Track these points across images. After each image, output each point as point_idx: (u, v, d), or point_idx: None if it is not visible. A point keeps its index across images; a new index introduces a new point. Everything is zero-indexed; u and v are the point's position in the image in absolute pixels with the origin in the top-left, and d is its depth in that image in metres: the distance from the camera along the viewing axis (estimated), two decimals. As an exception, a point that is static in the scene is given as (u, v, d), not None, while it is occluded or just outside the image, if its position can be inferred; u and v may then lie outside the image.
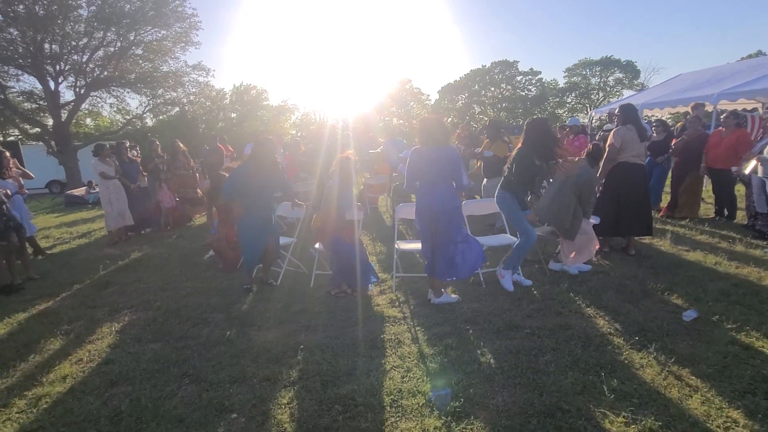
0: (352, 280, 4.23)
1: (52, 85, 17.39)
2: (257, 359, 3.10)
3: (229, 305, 4.15)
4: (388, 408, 2.49)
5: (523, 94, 47.89)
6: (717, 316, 3.38)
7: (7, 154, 5.47)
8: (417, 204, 3.83)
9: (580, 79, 46.67)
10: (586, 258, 4.47)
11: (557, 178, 4.38)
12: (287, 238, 5.07)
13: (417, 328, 3.47)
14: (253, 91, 35.00)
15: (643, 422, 2.25)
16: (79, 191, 14.45)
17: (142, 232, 7.87)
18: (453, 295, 4.00)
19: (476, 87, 48.50)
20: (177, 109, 23.57)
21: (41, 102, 18.36)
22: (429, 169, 3.67)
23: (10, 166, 5.75)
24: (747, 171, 5.61)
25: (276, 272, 4.83)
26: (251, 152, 4.53)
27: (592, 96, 45.58)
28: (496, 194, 4.27)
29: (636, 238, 5.24)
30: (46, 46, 16.68)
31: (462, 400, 2.50)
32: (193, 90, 21.42)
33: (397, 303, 4.03)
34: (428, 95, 50.57)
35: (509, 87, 48.34)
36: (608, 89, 45.57)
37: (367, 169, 8.85)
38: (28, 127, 19.39)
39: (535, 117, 4.36)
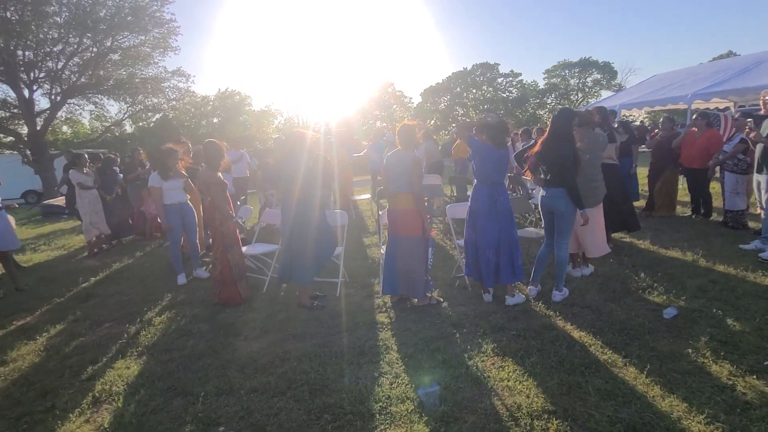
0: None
1: (26, 92, 16.97)
2: (244, 370, 3.07)
3: (213, 315, 4.10)
4: (378, 415, 2.49)
5: (505, 95, 48.56)
6: (696, 313, 3.47)
7: None
8: (476, 202, 3.82)
9: (559, 80, 47.53)
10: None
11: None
12: (271, 246, 5.03)
13: (404, 334, 3.48)
14: (236, 96, 34.73)
15: (627, 420, 2.30)
16: (58, 200, 14.09)
17: (123, 241, 7.72)
18: (522, 295, 3.99)
19: (458, 89, 48.99)
20: (158, 115, 23.23)
21: (15, 110, 17.88)
22: (491, 169, 3.72)
23: None
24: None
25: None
26: (290, 146, 4.09)
27: (572, 97, 46.37)
28: (551, 193, 3.82)
29: (617, 236, 5.36)
30: (20, 53, 16.29)
31: (450, 404, 2.52)
32: (174, 96, 21.12)
33: (383, 308, 4.03)
34: (411, 98, 51.01)
35: (491, 89, 48.98)
36: (587, 90, 46.51)
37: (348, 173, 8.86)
38: (1, 135, 18.87)
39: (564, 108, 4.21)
